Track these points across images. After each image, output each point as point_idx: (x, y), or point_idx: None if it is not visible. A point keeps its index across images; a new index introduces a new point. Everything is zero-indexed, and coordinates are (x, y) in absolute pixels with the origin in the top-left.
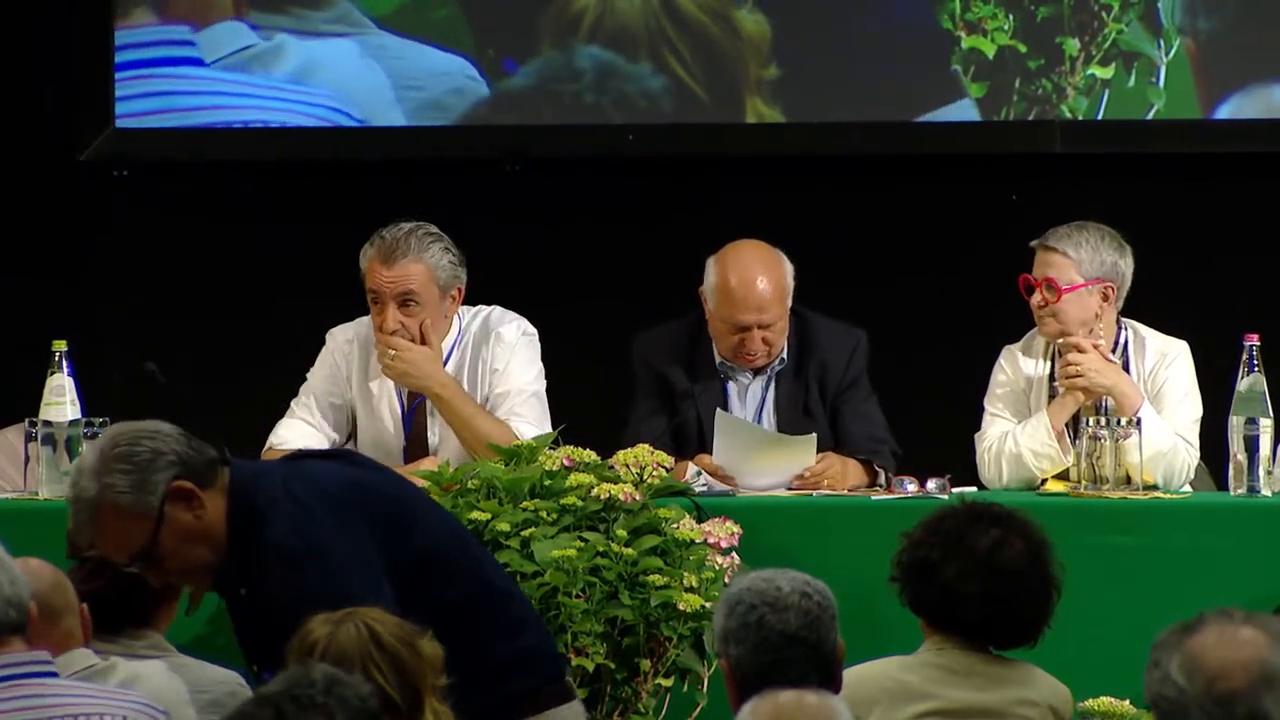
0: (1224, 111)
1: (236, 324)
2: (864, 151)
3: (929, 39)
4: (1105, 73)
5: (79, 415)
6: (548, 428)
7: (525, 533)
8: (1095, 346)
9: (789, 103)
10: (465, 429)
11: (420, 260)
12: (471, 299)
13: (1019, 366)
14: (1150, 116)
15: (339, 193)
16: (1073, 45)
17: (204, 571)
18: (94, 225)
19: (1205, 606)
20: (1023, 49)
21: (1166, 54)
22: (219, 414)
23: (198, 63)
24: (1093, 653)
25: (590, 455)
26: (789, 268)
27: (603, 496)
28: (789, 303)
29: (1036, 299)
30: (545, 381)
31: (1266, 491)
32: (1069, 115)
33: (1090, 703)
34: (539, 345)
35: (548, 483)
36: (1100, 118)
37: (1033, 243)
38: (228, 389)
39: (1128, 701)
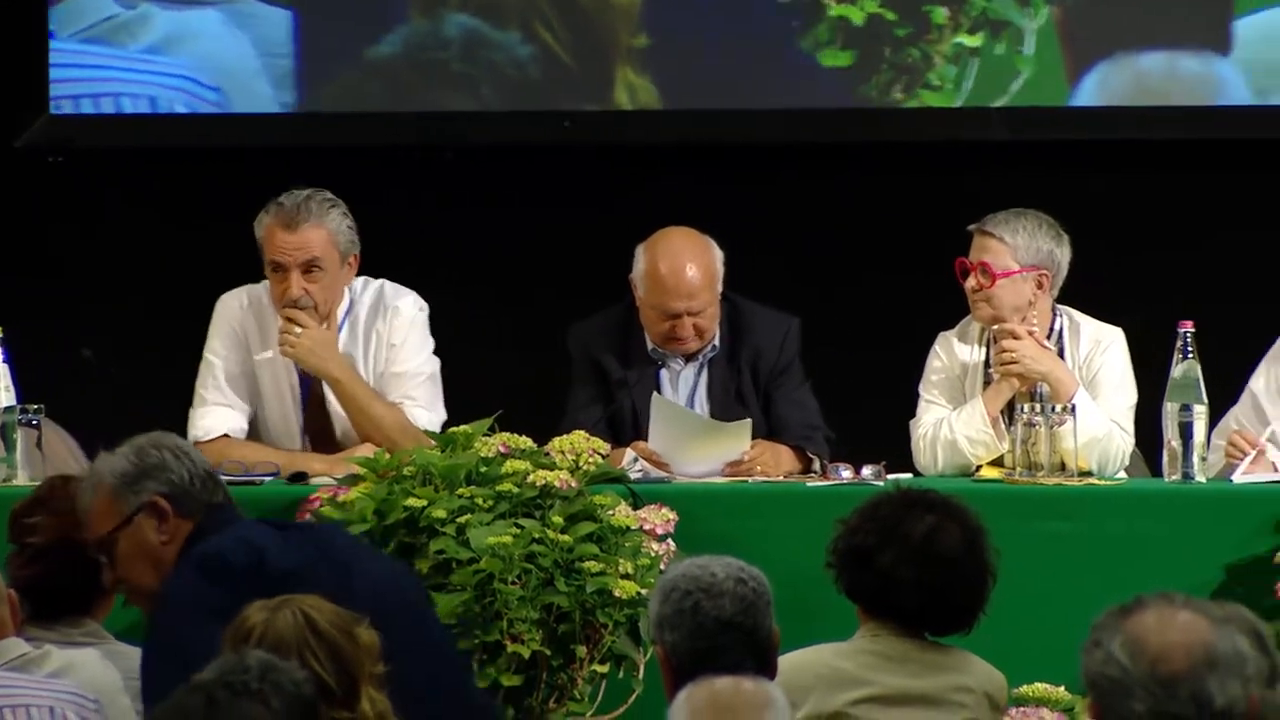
0: (1091, 80)
1: (172, 310)
2: (802, 139)
3: (799, 6)
4: (973, 41)
5: (13, 402)
6: (441, 410)
7: (461, 519)
8: (1030, 333)
9: (658, 72)
10: (361, 415)
11: (322, 225)
12: (396, 282)
13: (954, 353)
14: (1017, 86)
15: (269, 179)
16: (941, 13)
17: (144, 596)
18: (26, 211)
19: (1138, 592)
20: (891, 17)
21: (1034, 23)
22: (153, 399)
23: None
24: (1028, 639)
25: (526, 442)
26: (718, 253)
27: (539, 483)
28: (719, 288)
29: (971, 283)
30: (437, 362)
31: (1201, 478)
32: (937, 85)
33: (1025, 689)
34: (428, 321)
35: (484, 469)
36: (1024, 104)
37: (970, 227)
38: (163, 375)
39: (1063, 688)
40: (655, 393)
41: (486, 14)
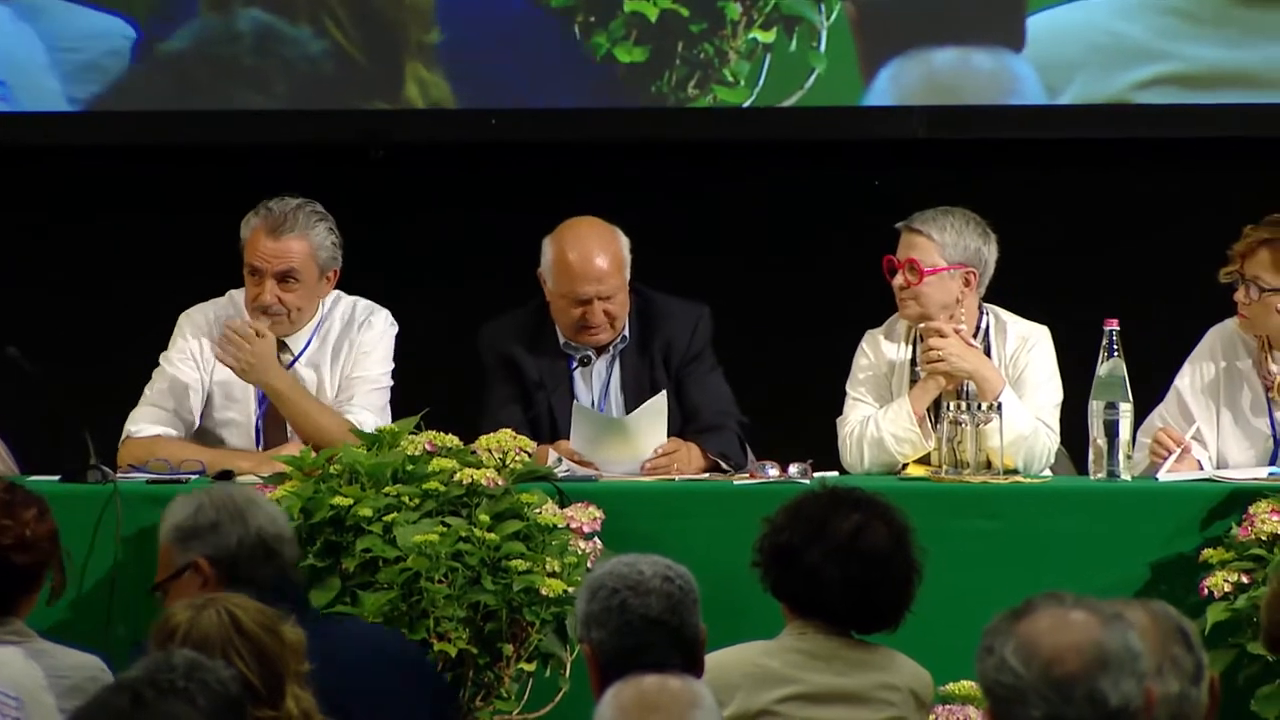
0: (884, 77)
1: (99, 309)
2: (727, 137)
3: (594, 2)
4: (767, 37)
5: None
6: (387, 421)
7: (388, 518)
8: (957, 331)
9: (450, 69)
10: (302, 421)
11: (305, 238)
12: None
13: (880, 351)
14: (811, 82)
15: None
16: (734, 9)
17: None
18: None
19: (1065, 589)
20: (685, 13)
21: (827, 19)
22: (84, 400)
23: None
24: (954, 637)
25: (453, 440)
26: (624, 240)
27: (465, 481)
28: (627, 275)
29: (899, 280)
30: (392, 381)
31: (1126, 476)
32: (731, 81)
33: (951, 686)
34: (395, 342)
35: (410, 468)
36: (964, 103)
37: (898, 225)
38: (91, 374)
39: None
40: (576, 400)
41: (278, 9)
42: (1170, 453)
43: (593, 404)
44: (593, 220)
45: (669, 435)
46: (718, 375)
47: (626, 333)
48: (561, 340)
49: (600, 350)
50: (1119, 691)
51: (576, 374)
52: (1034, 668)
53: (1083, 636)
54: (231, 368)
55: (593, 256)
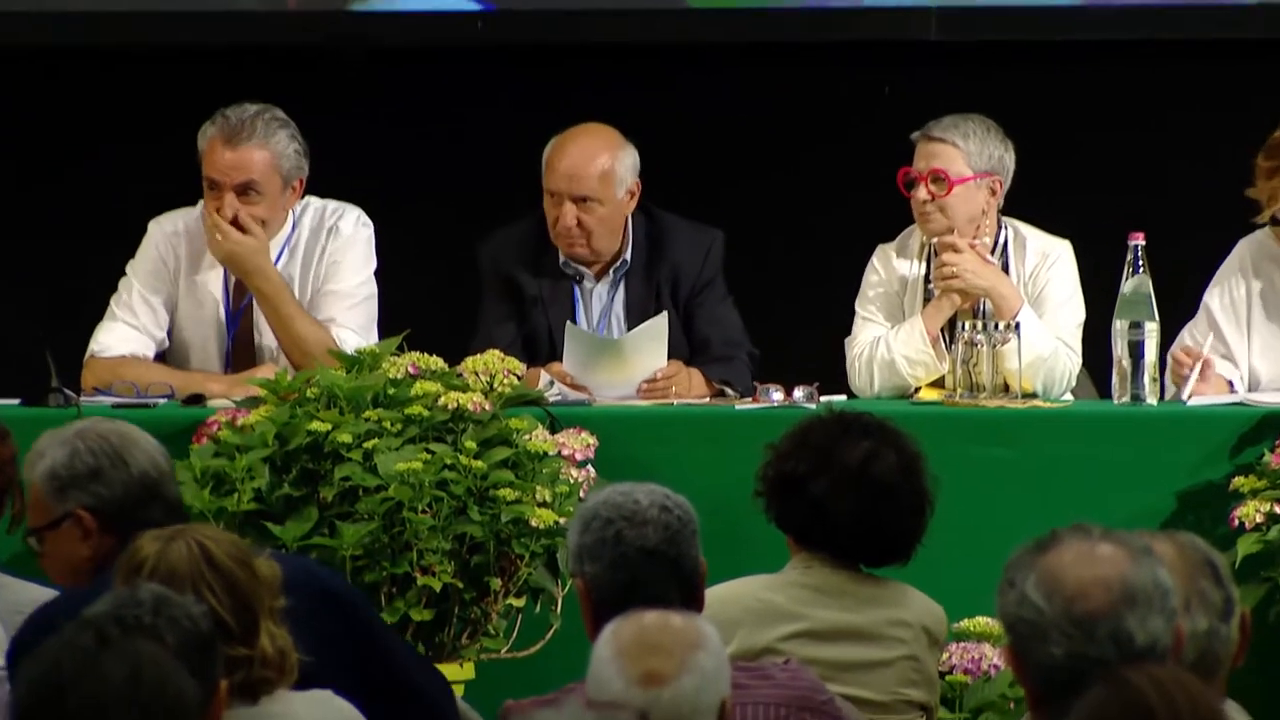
0: None
1: (60, 220)
2: (725, 39)
3: None
4: None
5: None
6: (374, 337)
7: (368, 444)
8: (972, 246)
9: None
10: (284, 330)
11: (266, 146)
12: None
13: (892, 267)
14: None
15: (154, 82)
16: None
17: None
18: None
19: (1087, 522)
20: None
21: None
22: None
23: None
24: (969, 570)
25: (437, 362)
26: (625, 155)
27: (450, 406)
28: (618, 191)
29: (921, 193)
30: (375, 285)
31: (1151, 400)
32: None
33: (966, 623)
34: (374, 241)
35: (392, 391)
36: (978, 3)
37: (914, 134)
38: (53, 289)
39: None
40: (569, 321)
41: None
42: (1191, 371)
43: (591, 328)
44: (598, 126)
45: (682, 364)
46: (729, 305)
47: (629, 255)
48: (561, 260)
49: (600, 274)
50: (1145, 630)
51: (578, 297)
52: (1056, 603)
53: (1109, 571)
54: (218, 257)
55: (571, 152)
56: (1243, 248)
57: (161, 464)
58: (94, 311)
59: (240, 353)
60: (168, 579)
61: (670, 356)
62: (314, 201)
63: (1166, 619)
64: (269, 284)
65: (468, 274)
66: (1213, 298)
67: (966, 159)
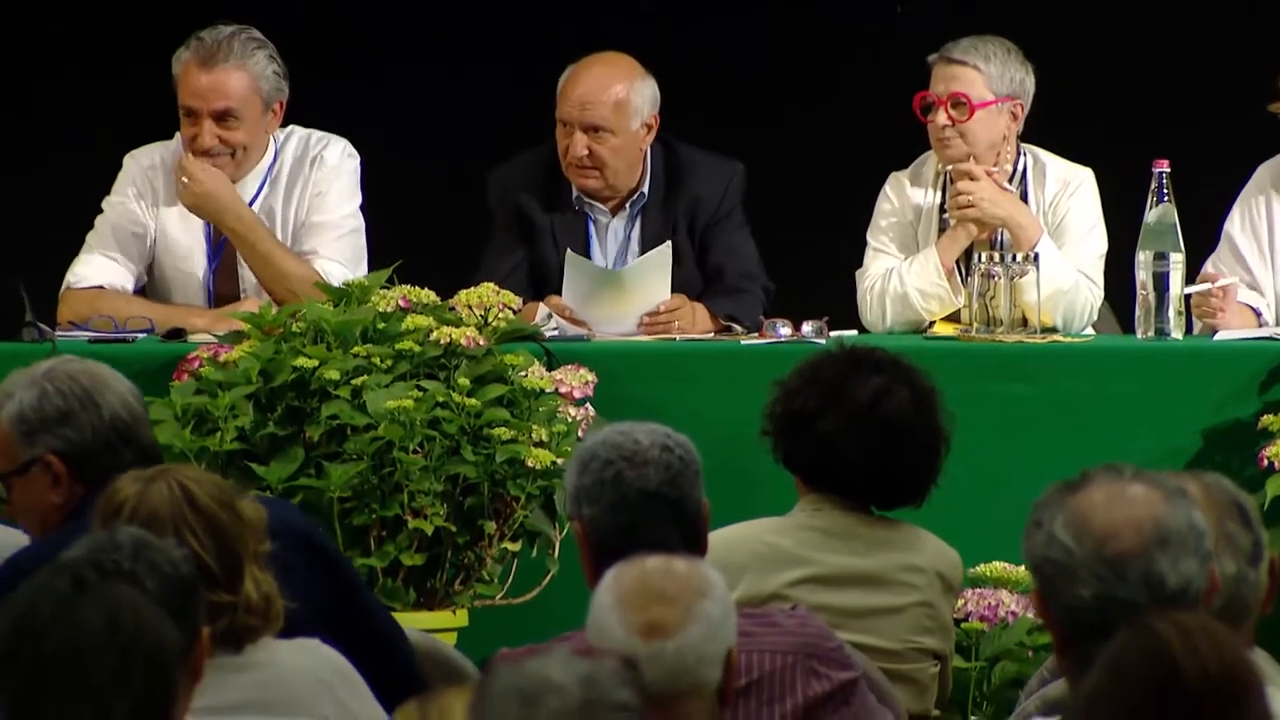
0: None
1: (34, 151)
2: None
3: None
4: None
5: None
6: (362, 272)
7: (356, 381)
8: (989, 173)
9: None
10: (264, 266)
11: (244, 68)
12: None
13: (906, 196)
14: None
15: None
16: None
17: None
18: None
19: (1110, 461)
20: None
21: None
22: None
23: None
24: (985, 513)
25: (429, 295)
26: (643, 86)
27: (443, 341)
28: (632, 122)
29: (940, 118)
30: (362, 219)
31: (1176, 334)
32: None
33: (982, 568)
34: (359, 171)
35: (381, 325)
36: None
37: (931, 57)
38: (28, 221)
39: (1023, 567)
40: (569, 250)
41: None
42: (1217, 307)
43: (607, 264)
44: (616, 54)
45: (686, 297)
46: (745, 235)
47: (646, 189)
48: (574, 194)
49: (616, 209)
50: (1178, 572)
51: (592, 232)
52: (1086, 544)
53: (1141, 512)
54: (186, 204)
55: (585, 80)
56: (1263, 171)
57: (135, 406)
58: (69, 246)
59: (223, 287)
60: (148, 521)
61: (683, 291)
62: (298, 130)
63: (1201, 561)
64: (241, 223)
65: (463, 207)
66: (1233, 224)
67: (987, 82)
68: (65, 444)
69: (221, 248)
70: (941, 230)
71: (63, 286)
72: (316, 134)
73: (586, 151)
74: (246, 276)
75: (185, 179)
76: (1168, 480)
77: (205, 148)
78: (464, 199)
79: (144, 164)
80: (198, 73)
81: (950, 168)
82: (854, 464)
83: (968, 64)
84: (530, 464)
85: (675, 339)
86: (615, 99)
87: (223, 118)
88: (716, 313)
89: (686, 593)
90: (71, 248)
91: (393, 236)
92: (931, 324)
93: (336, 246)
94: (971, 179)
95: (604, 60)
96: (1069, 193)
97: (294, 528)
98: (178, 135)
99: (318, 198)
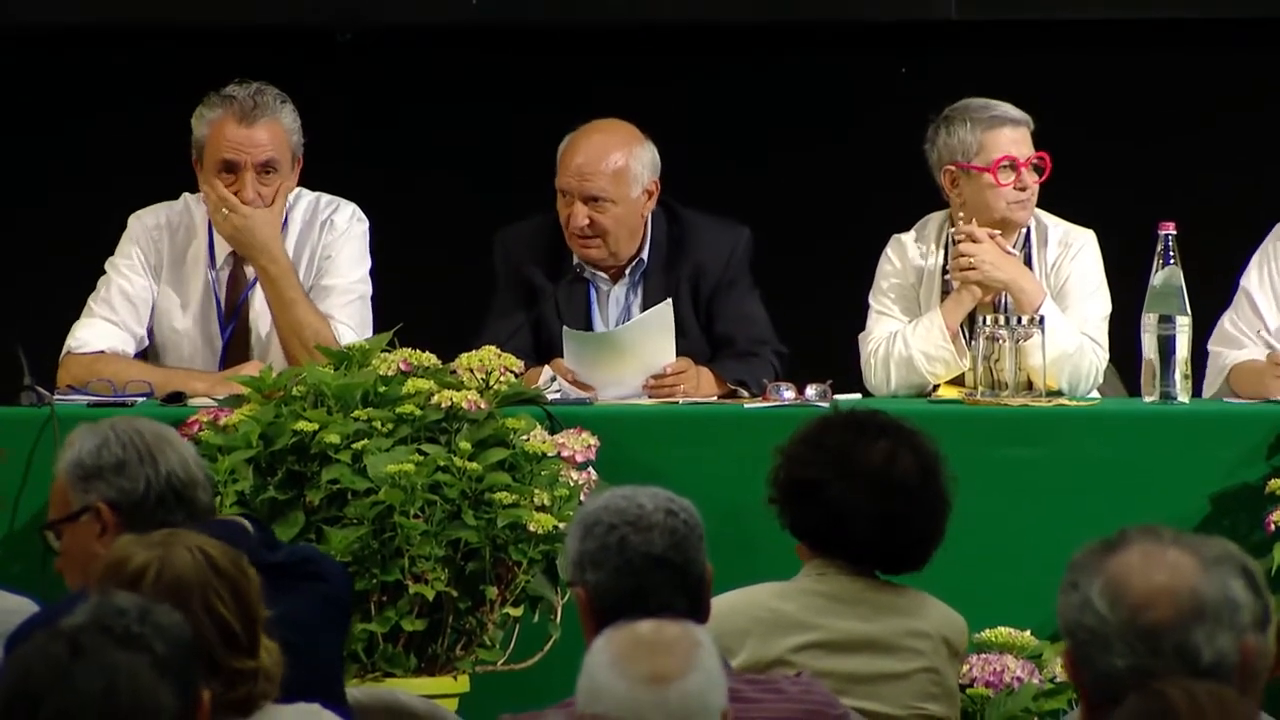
0: None
1: (36, 211)
2: (734, 19)
3: None
4: None
5: None
6: (369, 335)
7: (357, 445)
8: (991, 236)
9: None
10: (285, 313)
11: (278, 120)
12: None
13: (908, 258)
14: None
15: (132, 63)
16: None
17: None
18: None
19: (1113, 526)
20: None
21: None
22: (20, 312)
23: None
24: (990, 578)
25: (430, 358)
26: (641, 152)
27: (444, 405)
28: (632, 190)
29: (1028, 179)
30: (371, 285)
31: (1182, 398)
32: None
33: (988, 633)
34: (368, 236)
35: (382, 389)
36: None
37: (979, 116)
38: (28, 283)
39: (1028, 632)
40: (565, 326)
41: None
42: None
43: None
44: (614, 121)
45: (691, 360)
46: (755, 300)
47: (646, 255)
48: (575, 260)
49: (616, 275)
50: (1213, 646)
51: (593, 299)
52: (1121, 612)
53: (1178, 581)
54: (225, 234)
55: (584, 149)
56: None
57: (194, 470)
58: (70, 309)
59: (235, 352)
60: (173, 587)
61: (690, 356)
62: (305, 194)
63: (1236, 635)
64: (276, 265)
65: (465, 269)
66: (1250, 279)
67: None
68: (118, 493)
69: (237, 312)
70: (944, 292)
71: (64, 351)
72: (325, 198)
73: (588, 221)
74: (256, 343)
75: (227, 210)
76: (1206, 547)
77: (248, 201)
78: (464, 264)
79: (148, 224)
80: (237, 127)
81: (953, 230)
82: (860, 528)
83: (1026, 125)
84: (532, 528)
85: (678, 403)
86: (614, 168)
87: (265, 169)
88: (726, 377)
89: (683, 643)
90: (71, 310)
91: (394, 300)
92: (936, 387)
93: (346, 311)
94: (974, 241)
95: (602, 128)
96: (1071, 255)
97: (337, 573)
98: (184, 195)
99: (327, 261)
